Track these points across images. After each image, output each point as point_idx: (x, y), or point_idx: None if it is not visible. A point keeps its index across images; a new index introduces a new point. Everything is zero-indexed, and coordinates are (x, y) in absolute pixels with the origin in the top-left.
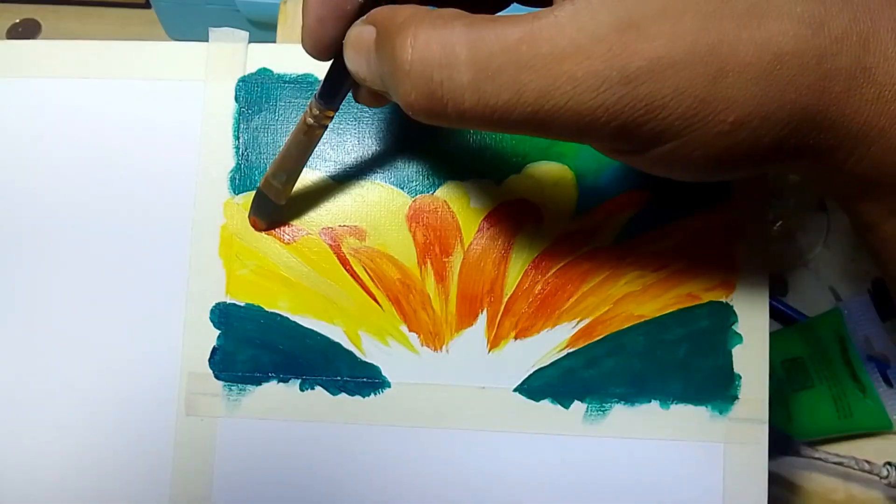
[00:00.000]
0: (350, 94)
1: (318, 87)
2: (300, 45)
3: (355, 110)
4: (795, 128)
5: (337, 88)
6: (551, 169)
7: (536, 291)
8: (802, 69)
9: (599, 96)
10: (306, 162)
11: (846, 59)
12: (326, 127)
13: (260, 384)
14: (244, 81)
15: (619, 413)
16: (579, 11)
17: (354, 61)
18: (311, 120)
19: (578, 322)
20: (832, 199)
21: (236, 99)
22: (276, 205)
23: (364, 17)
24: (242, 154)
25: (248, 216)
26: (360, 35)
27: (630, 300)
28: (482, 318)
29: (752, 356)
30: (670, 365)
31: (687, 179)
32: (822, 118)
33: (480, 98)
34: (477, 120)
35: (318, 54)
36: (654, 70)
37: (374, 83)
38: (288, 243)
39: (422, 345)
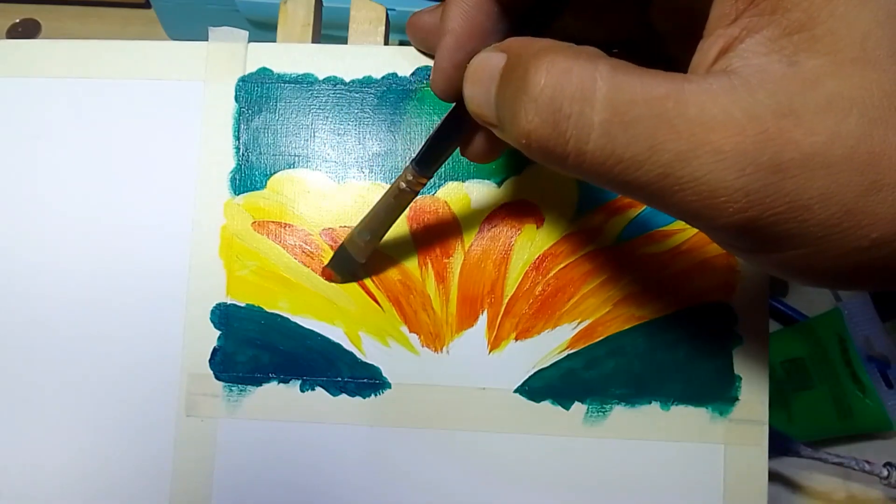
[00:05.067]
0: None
1: (417, 153)
2: (300, 45)
3: (356, 110)
4: None
5: (437, 155)
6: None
7: (537, 292)
8: None
9: (742, 178)
10: (392, 224)
11: None
12: (418, 193)
13: (260, 385)
14: (244, 81)
15: (620, 414)
16: (736, 87)
17: (473, 88)
18: (404, 185)
19: (579, 323)
20: None
21: (236, 99)
22: (356, 262)
23: (493, 45)
24: (243, 154)
25: (324, 268)
26: (488, 60)
27: (630, 301)
28: (482, 319)
29: (752, 357)
30: (670, 366)
31: (803, 285)
32: None
33: (608, 143)
34: (595, 167)
35: (449, 98)
36: (806, 166)
37: (487, 114)
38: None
39: (422, 346)
